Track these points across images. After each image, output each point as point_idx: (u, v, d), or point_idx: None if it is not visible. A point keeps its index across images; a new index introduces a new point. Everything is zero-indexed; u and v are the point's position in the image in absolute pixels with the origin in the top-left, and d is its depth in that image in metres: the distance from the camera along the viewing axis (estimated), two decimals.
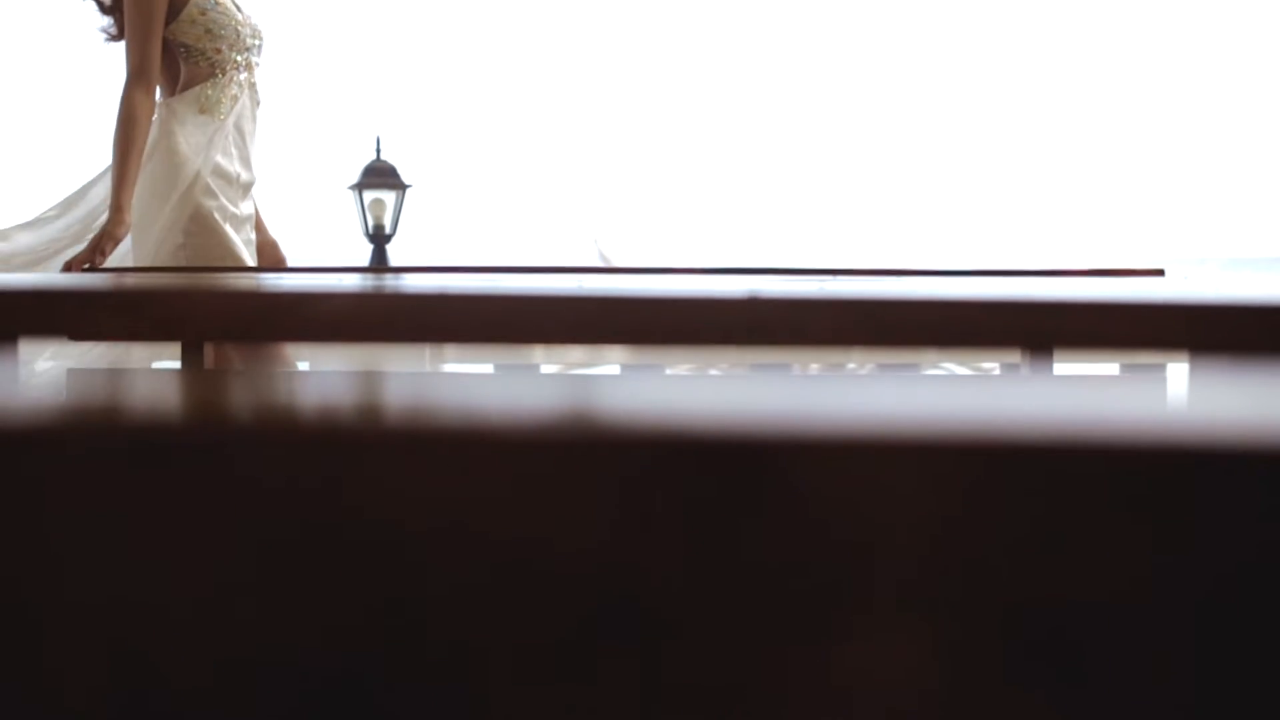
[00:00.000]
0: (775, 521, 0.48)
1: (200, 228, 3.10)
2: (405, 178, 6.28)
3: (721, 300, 1.32)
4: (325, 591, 0.49)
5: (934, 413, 0.53)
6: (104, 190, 3.13)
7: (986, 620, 0.48)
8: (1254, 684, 0.48)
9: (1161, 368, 3.04)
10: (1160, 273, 2.43)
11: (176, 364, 3.21)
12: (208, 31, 3.13)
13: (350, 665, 0.50)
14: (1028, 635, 0.49)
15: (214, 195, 3.12)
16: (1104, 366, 3.91)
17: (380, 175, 6.14)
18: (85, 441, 0.51)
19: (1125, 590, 0.48)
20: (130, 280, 2.14)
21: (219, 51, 3.14)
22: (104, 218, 3.08)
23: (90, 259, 2.96)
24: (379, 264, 5.69)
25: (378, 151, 6.28)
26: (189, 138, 3.11)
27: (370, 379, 0.65)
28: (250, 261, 3.15)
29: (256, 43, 3.22)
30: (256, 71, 3.24)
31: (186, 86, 3.14)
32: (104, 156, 3.15)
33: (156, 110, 3.14)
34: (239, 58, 3.18)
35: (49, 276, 2.88)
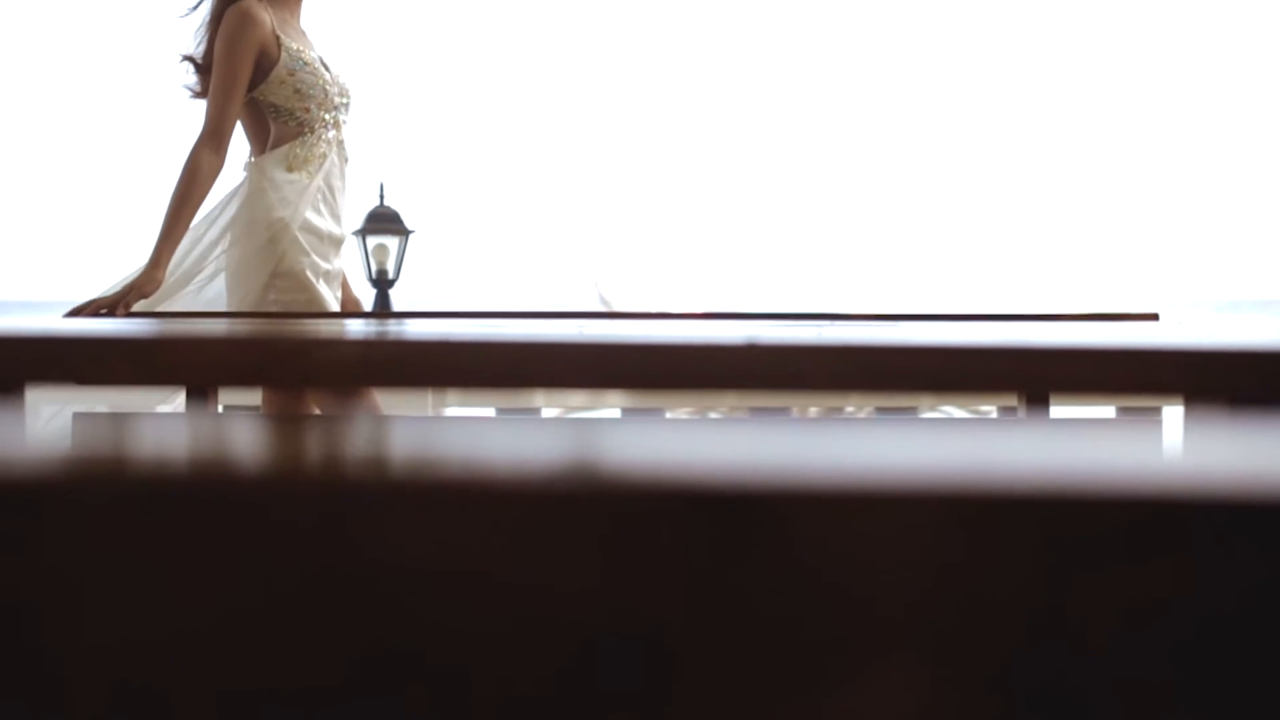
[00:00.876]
0: (774, 571, 0.49)
1: (290, 283, 3.09)
2: (408, 223, 6.33)
3: (720, 347, 1.33)
4: (328, 636, 0.50)
5: (930, 463, 0.54)
6: (218, 231, 3.11)
7: (984, 668, 0.49)
8: None
9: (1157, 410, 3.05)
10: (1155, 317, 2.45)
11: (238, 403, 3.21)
12: (296, 91, 3.14)
13: (354, 708, 0.50)
14: (1025, 683, 0.49)
15: (305, 251, 3.12)
16: (1100, 409, 3.92)
17: (383, 221, 6.19)
18: (88, 490, 0.52)
19: (1122, 638, 0.49)
20: (134, 326, 2.16)
21: (307, 111, 3.16)
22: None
23: (110, 305, 2.92)
24: (382, 309, 5.72)
25: (381, 197, 6.33)
26: (279, 194, 3.10)
27: (373, 425, 0.66)
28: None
29: (344, 101, 3.24)
30: (344, 129, 3.25)
31: (276, 145, 3.15)
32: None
33: (246, 168, 3.15)
34: (327, 116, 3.19)
35: (54, 323, 2.88)
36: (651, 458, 0.54)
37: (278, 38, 3.13)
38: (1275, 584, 0.48)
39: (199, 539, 0.50)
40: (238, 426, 0.60)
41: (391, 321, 2.62)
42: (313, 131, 3.17)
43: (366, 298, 6.00)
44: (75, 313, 2.93)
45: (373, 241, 6.10)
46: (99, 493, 0.50)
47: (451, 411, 3.61)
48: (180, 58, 3.22)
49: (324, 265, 3.15)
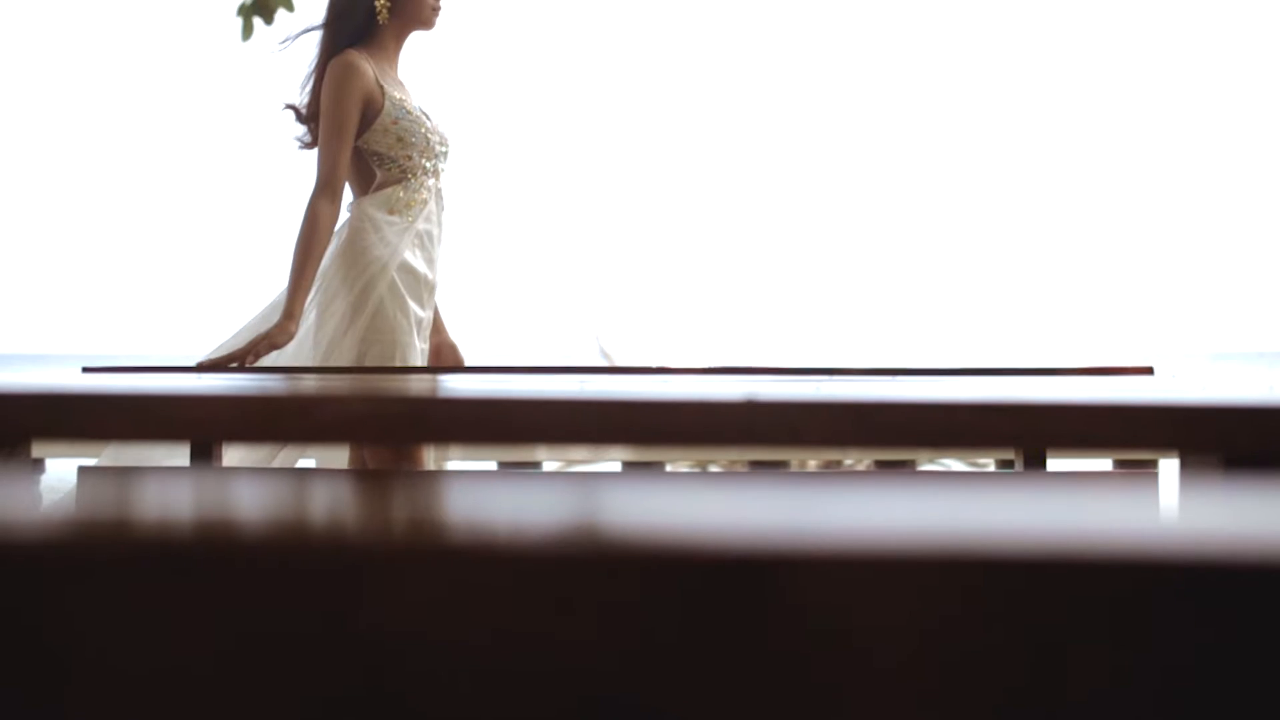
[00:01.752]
0: (772, 632, 0.50)
1: (381, 324, 3.10)
2: None
3: (720, 404, 1.35)
4: (329, 694, 0.50)
5: (924, 525, 0.55)
6: (319, 271, 3.11)
7: None
8: None
9: (1153, 463, 3.06)
10: (1149, 370, 2.46)
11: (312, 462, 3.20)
12: (399, 139, 3.18)
13: None
14: None
15: (400, 294, 3.13)
16: (1098, 461, 3.92)
17: None
18: (90, 551, 0.52)
19: (1114, 701, 0.49)
20: (136, 381, 2.17)
21: (409, 158, 3.19)
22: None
23: (242, 358, 2.93)
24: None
25: None
26: (379, 234, 3.13)
27: (376, 483, 0.67)
28: (420, 364, 3.15)
29: (444, 150, 3.27)
30: (443, 177, 3.28)
31: (378, 189, 3.18)
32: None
33: (350, 209, 3.18)
34: (428, 164, 3.22)
35: (58, 379, 2.88)
36: (651, 519, 0.55)
37: (381, 87, 3.17)
38: (1265, 648, 0.49)
39: (198, 600, 0.51)
40: (239, 485, 0.61)
41: (393, 376, 2.63)
42: (414, 177, 3.20)
43: None
44: (206, 366, 2.90)
45: None
46: (98, 553, 0.51)
47: (453, 465, 3.62)
48: (284, 106, 3.26)
49: (417, 310, 3.17)
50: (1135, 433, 1.44)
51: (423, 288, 3.20)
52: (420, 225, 3.20)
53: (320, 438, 1.40)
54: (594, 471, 4.07)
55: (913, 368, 2.47)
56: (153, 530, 0.52)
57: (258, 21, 4.07)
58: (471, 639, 0.50)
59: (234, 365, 2.92)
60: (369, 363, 3.06)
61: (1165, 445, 1.67)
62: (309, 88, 3.26)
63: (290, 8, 4.05)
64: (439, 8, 3.28)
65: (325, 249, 3.09)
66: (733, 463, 5.56)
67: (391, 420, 1.38)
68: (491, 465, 3.67)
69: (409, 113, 3.20)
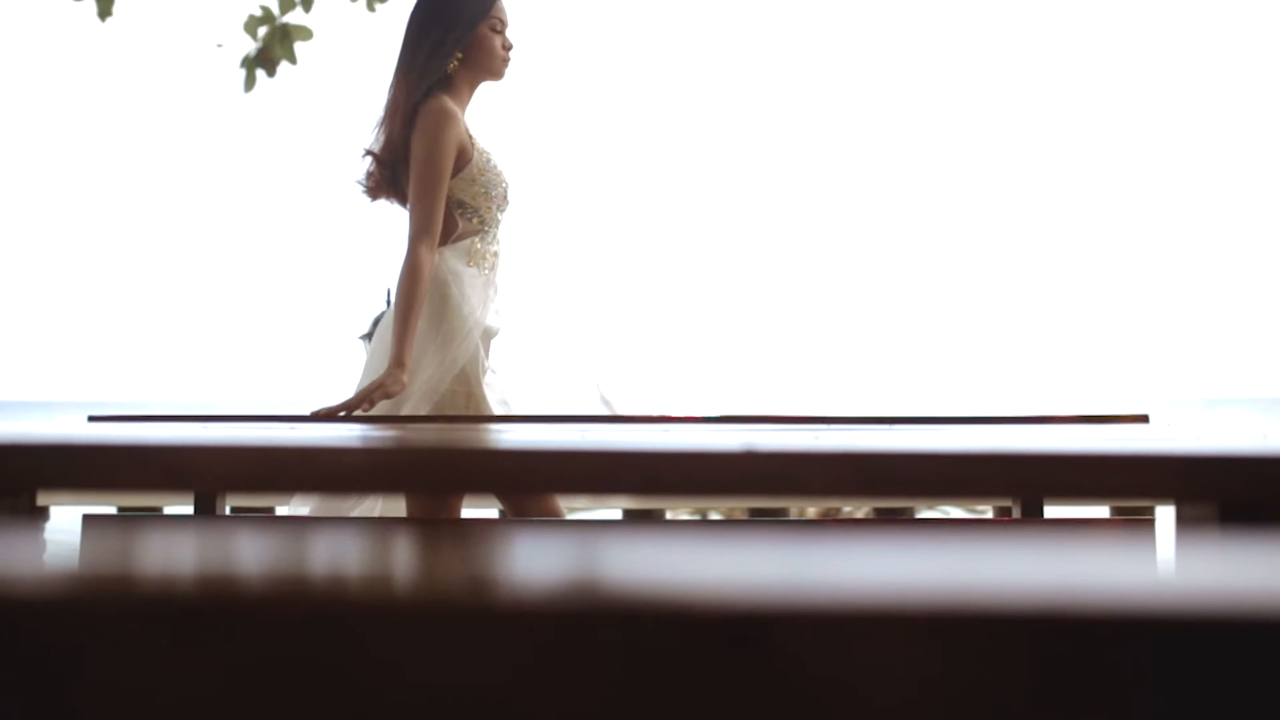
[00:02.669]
0: (773, 688, 0.50)
1: (460, 381, 3.08)
2: None
3: (719, 455, 1.36)
4: None
5: (921, 579, 0.55)
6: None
7: None
8: None
9: (1150, 509, 3.07)
10: (1145, 419, 2.48)
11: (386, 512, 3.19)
12: (484, 190, 3.16)
13: None
14: None
15: (477, 348, 3.11)
16: (1095, 509, 3.93)
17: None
18: (97, 606, 0.52)
19: None
20: (142, 431, 2.18)
21: (489, 209, 3.18)
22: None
23: (354, 406, 2.91)
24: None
25: (388, 302, 6.39)
26: (460, 287, 3.11)
27: (377, 536, 0.68)
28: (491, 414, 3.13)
29: (509, 202, 3.25)
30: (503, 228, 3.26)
31: (458, 239, 3.16)
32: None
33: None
34: (500, 215, 3.21)
35: (64, 429, 2.88)
36: (651, 574, 0.56)
37: (470, 136, 3.16)
38: (1258, 703, 0.50)
39: (199, 654, 0.51)
40: (243, 537, 0.61)
41: (396, 426, 2.64)
42: (490, 229, 3.19)
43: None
44: (321, 416, 2.87)
45: None
46: (102, 607, 0.51)
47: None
48: (363, 152, 3.23)
49: (487, 362, 3.16)
50: (1133, 483, 1.46)
51: (490, 340, 3.20)
52: (492, 276, 3.21)
53: (322, 487, 1.41)
54: (595, 520, 4.06)
55: (909, 416, 2.48)
56: (156, 584, 0.53)
57: (260, 73, 4.12)
58: (475, 693, 0.51)
59: (343, 414, 2.90)
60: (448, 413, 3.05)
61: (1162, 495, 1.69)
62: (381, 131, 3.22)
63: (293, 60, 4.09)
64: (509, 59, 3.25)
65: (426, 295, 3.06)
66: (732, 510, 5.56)
67: (392, 470, 1.39)
68: (493, 512, 3.67)
69: (492, 163, 3.19)
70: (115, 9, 4.18)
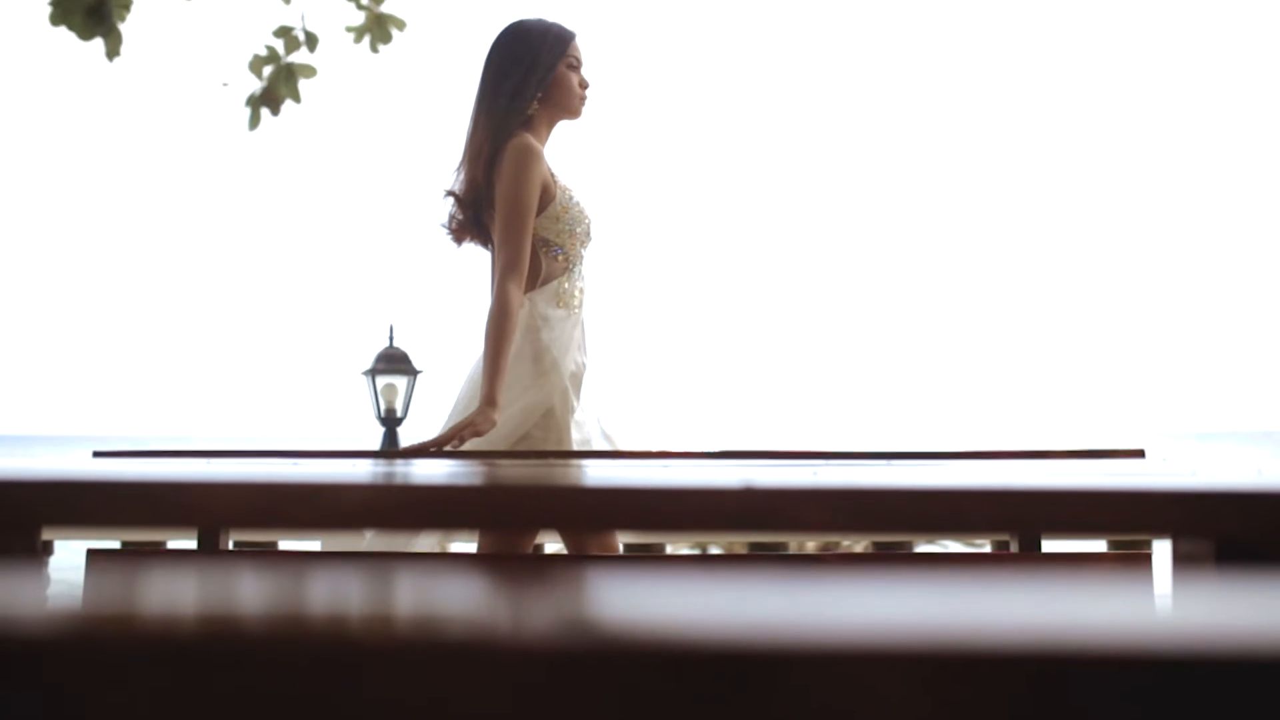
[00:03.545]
0: None
1: (548, 422, 3.07)
2: (416, 364, 6.39)
3: (717, 491, 1.37)
4: None
5: (918, 617, 0.56)
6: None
7: None
8: None
9: (1147, 543, 3.08)
10: (1140, 453, 2.49)
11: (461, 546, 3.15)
12: (568, 228, 3.16)
13: None
14: None
15: (568, 394, 3.10)
16: (1092, 543, 3.93)
17: (392, 361, 6.26)
18: (100, 645, 0.52)
19: None
20: (146, 467, 2.19)
21: (574, 246, 3.17)
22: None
23: (445, 443, 2.91)
24: (390, 446, 5.77)
25: (390, 339, 6.41)
26: (551, 332, 3.10)
27: (378, 575, 0.68)
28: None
29: (592, 238, 3.23)
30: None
31: (546, 280, 3.15)
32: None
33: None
34: (584, 252, 3.20)
35: (68, 465, 2.88)
36: (651, 611, 0.57)
37: (552, 174, 3.15)
38: None
39: (202, 692, 0.52)
40: (245, 573, 0.62)
41: (399, 462, 2.65)
42: (576, 267, 3.18)
43: (375, 435, 6.06)
44: (411, 452, 2.89)
45: (382, 381, 6.17)
46: (105, 645, 0.52)
47: (457, 547, 3.61)
48: (445, 193, 3.22)
49: (574, 401, 3.14)
50: (1129, 519, 1.47)
51: (580, 380, 3.19)
52: (581, 315, 3.19)
53: (327, 524, 1.43)
54: (594, 556, 4.06)
55: (907, 451, 2.49)
56: (159, 623, 0.53)
57: (264, 112, 4.14)
58: None
59: (434, 450, 2.90)
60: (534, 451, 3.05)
61: (1159, 531, 1.70)
62: (463, 173, 3.21)
63: (298, 99, 4.11)
64: (586, 97, 3.24)
65: (515, 334, 3.05)
66: (732, 544, 5.55)
67: (395, 506, 1.40)
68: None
69: (575, 200, 3.18)
70: (123, 50, 4.22)
